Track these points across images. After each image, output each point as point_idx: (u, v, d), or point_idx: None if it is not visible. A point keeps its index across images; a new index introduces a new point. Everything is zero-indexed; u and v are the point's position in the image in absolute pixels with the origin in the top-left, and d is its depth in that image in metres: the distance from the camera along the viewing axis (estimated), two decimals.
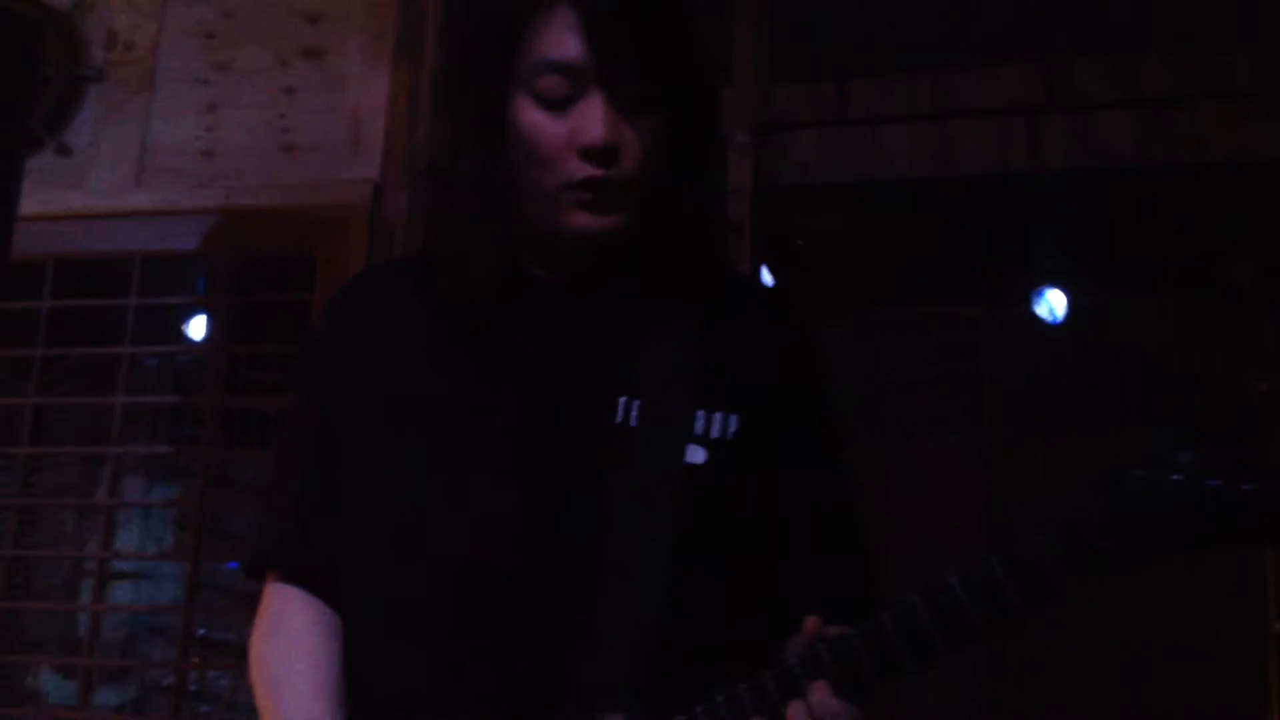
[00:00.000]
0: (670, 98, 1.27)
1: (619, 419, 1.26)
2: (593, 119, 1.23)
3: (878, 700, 1.17)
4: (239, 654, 3.81)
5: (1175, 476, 1.10)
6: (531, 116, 1.26)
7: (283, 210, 2.96)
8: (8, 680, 3.51)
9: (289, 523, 1.37)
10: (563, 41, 1.23)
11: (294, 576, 1.36)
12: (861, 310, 4.53)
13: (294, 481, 1.38)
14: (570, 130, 1.24)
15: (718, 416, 1.29)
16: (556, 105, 1.25)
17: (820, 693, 1.13)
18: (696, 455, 1.27)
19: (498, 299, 1.31)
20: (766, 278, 3.80)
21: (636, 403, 1.27)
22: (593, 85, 1.24)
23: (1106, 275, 4.34)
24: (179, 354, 3.79)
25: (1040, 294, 4.48)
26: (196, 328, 3.74)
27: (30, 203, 2.51)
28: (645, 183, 1.27)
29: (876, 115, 2.77)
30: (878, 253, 4.30)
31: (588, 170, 1.24)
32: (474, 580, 1.24)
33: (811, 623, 1.17)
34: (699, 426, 1.28)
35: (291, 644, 1.32)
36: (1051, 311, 4.49)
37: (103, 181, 3.10)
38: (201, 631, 3.63)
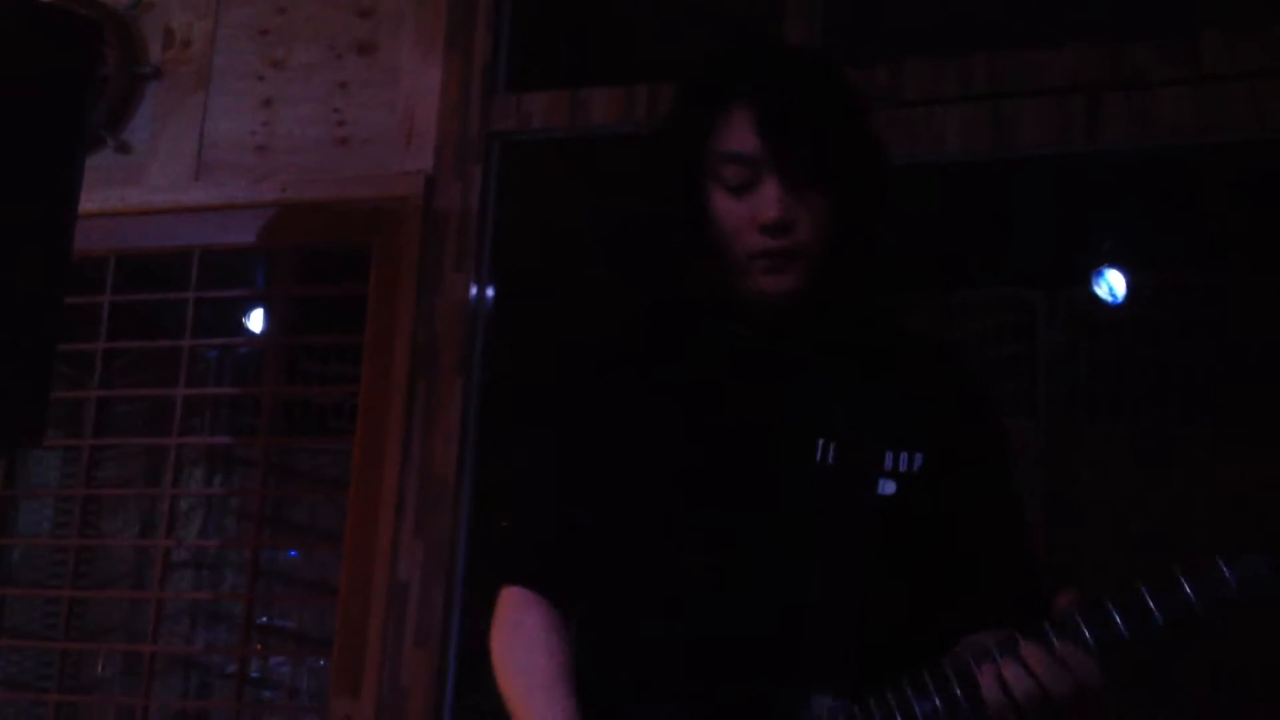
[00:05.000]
0: (839, 178, 1.49)
1: (818, 458, 1.48)
2: (768, 200, 1.48)
3: None
4: (299, 640, 3.86)
5: None
6: (720, 200, 1.51)
7: (338, 203, 2.98)
8: (74, 668, 3.57)
9: (538, 540, 1.60)
10: (741, 137, 1.49)
11: (536, 586, 1.56)
12: (918, 294, 4.50)
13: (547, 499, 1.61)
14: (751, 210, 1.49)
15: (904, 455, 1.50)
16: (739, 189, 1.50)
17: (1071, 654, 1.27)
18: (887, 487, 1.49)
19: (711, 353, 1.56)
20: None
21: (833, 444, 1.49)
22: (766, 172, 1.48)
23: (1167, 255, 4.28)
24: (238, 346, 3.82)
25: (1100, 275, 4.43)
26: (255, 320, 3.78)
27: (90, 200, 2.54)
28: (821, 249, 1.50)
29: (930, 97, 2.75)
30: (935, 236, 4.26)
31: (766, 242, 1.48)
32: (700, 603, 1.45)
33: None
34: (888, 463, 1.49)
35: (530, 639, 1.53)
36: (1112, 292, 4.43)
37: (161, 178, 3.13)
38: (263, 619, 3.67)
